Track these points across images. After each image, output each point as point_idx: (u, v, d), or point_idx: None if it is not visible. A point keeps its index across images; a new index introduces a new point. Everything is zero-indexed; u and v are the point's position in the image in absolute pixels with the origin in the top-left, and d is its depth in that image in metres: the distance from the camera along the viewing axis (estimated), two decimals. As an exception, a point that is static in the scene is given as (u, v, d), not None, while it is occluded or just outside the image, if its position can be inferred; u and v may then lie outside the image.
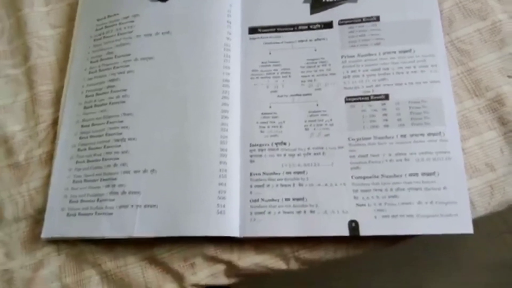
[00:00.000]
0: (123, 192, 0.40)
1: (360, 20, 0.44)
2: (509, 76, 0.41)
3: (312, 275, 0.77)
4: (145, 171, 0.40)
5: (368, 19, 0.44)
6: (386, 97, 0.41)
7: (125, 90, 0.43)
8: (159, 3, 0.46)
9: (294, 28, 0.45)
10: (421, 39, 0.42)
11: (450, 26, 0.44)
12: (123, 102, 0.43)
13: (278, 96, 0.43)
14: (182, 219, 0.38)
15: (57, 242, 0.42)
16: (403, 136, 0.40)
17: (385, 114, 0.41)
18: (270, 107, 0.43)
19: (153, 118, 0.42)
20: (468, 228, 0.37)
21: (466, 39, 0.43)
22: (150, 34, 0.45)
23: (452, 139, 0.39)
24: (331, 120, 0.41)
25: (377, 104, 0.41)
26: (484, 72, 0.41)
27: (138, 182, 0.40)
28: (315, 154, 0.40)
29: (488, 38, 0.42)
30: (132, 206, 0.39)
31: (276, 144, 0.41)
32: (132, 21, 0.46)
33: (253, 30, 0.46)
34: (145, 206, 0.39)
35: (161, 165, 0.40)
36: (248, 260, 0.39)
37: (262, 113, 0.42)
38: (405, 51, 0.42)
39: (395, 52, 0.42)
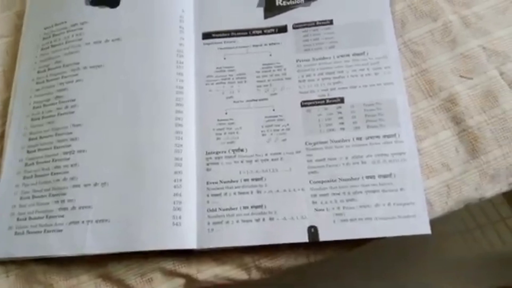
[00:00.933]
0: (73, 208, 0.38)
1: (314, 24, 0.44)
2: (461, 76, 0.41)
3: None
4: (96, 184, 0.39)
5: (322, 23, 0.44)
6: (342, 100, 0.41)
7: (73, 100, 0.42)
8: (108, 9, 0.45)
9: (249, 32, 0.45)
10: (374, 41, 0.43)
11: (403, 28, 0.44)
12: (72, 112, 0.41)
13: (234, 102, 0.42)
14: (136, 233, 0.37)
15: (5, 263, 0.40)
16: (359, 138, 0.40)
17: (341, 118, 0.40)
18: (226, 113, 0.42)
19: (104, 128, 0.40)
20: (425, 229, 0.37)
21: (418, 40, 0.43)
22: (99, 42, 0.43)
23: (407, 140, 0.39)
24: (287, 125, 0.41)
25: (332, 107, 0.41)
26: (437, 73, 0.42)
27: (89, 196, 0.38)
28: (272, 160, 0.40)
29: (439, 39, 0.43)
30: (83, 221, 0.38)
31: (233, 151, 0.40)
32: (81, 29, 0.44)
33: (207, 35, 0.45)
34: (96, 221, 0.38)
35: (113, 177, 0.39)
36: (208, 272, 0.38)
37: (218, 120, 0.41)
38: (358, 54, 0.42)
39: (349, 55, 0.42)
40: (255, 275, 0.38)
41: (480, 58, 0.42)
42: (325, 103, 0.41)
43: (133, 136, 0.40)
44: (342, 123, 0.40)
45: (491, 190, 0.38)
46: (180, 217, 0.37)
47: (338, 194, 0.38)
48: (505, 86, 0.40)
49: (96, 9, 0.45)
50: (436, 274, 0.84)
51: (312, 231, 0.37)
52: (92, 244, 0.37)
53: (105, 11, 0.45)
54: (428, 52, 0.43)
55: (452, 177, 0.38)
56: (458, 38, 0.43)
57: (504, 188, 0.38)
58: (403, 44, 0.43)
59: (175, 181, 0.38)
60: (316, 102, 0.41)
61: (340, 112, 0.41)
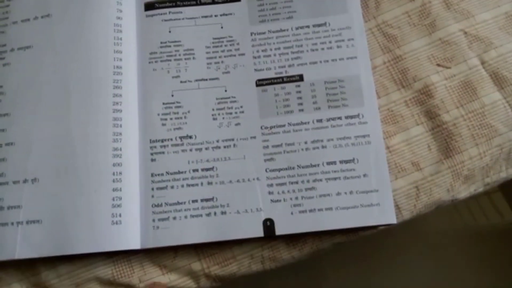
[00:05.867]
0: (1, 208, 0.34)
1: (270, -10, 0.39)
2: (438, 65, 0.36)
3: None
4: (25, 181, 0.34)
5: (279, -12, 0.39)
6: (301, 78, 0.37)
7: (0, 86, 0.37)
8: (36, -20, 0.39)
9: (197, 1, 0.40)
10: (336, 9, 0.38)
11: (377, 9, 0.39)
12: (-2, 100, 0.37)
13: (181, 82, 0.38)
14: (71, 234, 0.33)
15: None
16: (319, 121, 0.36)
17: (300, 98, 0.36)
18: (172, 95, 0.37)
19: (34, 117, 0.36)
20: (390, 219, 0.34)
21: (393, 22, 0.38)
22: (28, 19, 0.38)
23: (372, 121, 0.35)
24: (241, 107, 0.37)
25: (290, 86, 0.37)
26: (412, 60, 0.37)
27: (19, 195, 0.34)
28: (225, 147, 0.36)
29: (417, 22, 0.38)
30: (12, 223, 0.34)
31: (181, 138, 0.36)
32: (7, 5, 0.39)
33: (149, 6, 0.40)
34: (27, 222, 0.34)
35: (44, 173, 0.34)
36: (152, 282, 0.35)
37: (163, 103, 0.37)
38: (319, 25, 0.38)
39: (308, 27, 0.38)
40: (205, 283, 0.35)
41: (461, 44, 0.37)
42: (283, 82, 0.37)
43: (65, 125, 0.35)
44: (301, 104, 0.36)
45: (464, 191, 0.35)
46: (120, 215, 0.34)
47: (296, 183, 0.35)
48: (486, 77, 0.36)
49: (23, -20, 0.39)
50: (418, 249, 0.83)
51: (268, 224, 0.34)
52: (23, 248, 0.33)
53: (33, -18, 0.39)
54: (403, 36, 0.38)
55: (422, 177, 0.35)
56: (438, 21, 0.38)
57: (480, 189, 0.35)
58: (376, 27, 0.38)
59: (114, 174, 0.34)
60: (273, 81, 0.37)
61: (299, 92, 0.37)
